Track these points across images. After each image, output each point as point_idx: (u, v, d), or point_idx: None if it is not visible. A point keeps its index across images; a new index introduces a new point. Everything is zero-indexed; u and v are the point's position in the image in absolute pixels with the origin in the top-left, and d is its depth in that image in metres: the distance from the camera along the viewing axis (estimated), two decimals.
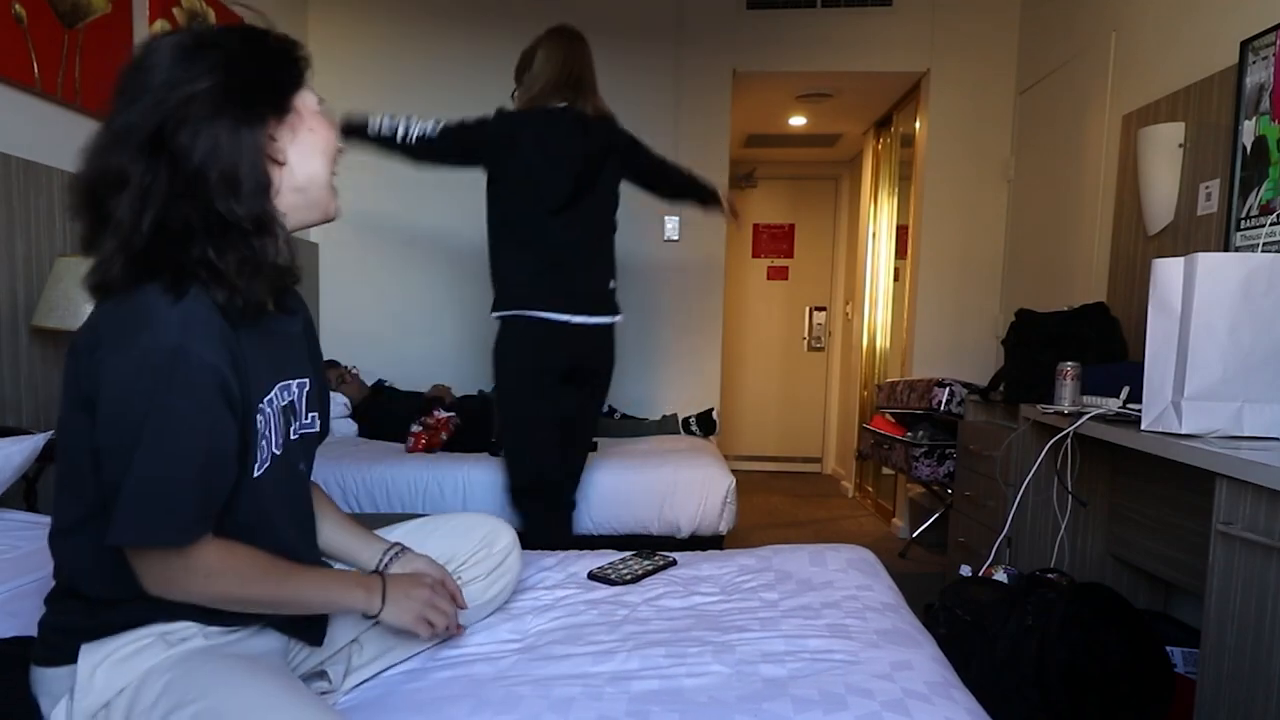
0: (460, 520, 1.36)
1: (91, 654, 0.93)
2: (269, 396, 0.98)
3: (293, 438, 1.03)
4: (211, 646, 0.96)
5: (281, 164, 0.94)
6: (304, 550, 1.09)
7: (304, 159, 0.96)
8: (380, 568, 1.17)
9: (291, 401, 1.02)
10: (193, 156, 0.87)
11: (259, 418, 0.96)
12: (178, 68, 0.88)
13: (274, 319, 1.01)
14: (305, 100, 0.98)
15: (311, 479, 1.15)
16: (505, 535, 1.35)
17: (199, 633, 0.96)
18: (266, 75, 0.94)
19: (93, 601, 0.94)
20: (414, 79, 3.86)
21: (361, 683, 1.14)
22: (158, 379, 0.85)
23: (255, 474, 0.97)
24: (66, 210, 0.94)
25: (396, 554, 1.19)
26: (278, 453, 1.00)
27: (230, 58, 0.91)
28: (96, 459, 0.89)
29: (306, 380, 1.05)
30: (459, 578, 1.26)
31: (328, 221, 1.04)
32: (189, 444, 0.87)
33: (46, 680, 0.96)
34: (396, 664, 1.19)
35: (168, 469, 0.86)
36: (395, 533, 1.28)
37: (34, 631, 1.18)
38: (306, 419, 1.05)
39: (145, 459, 0.85)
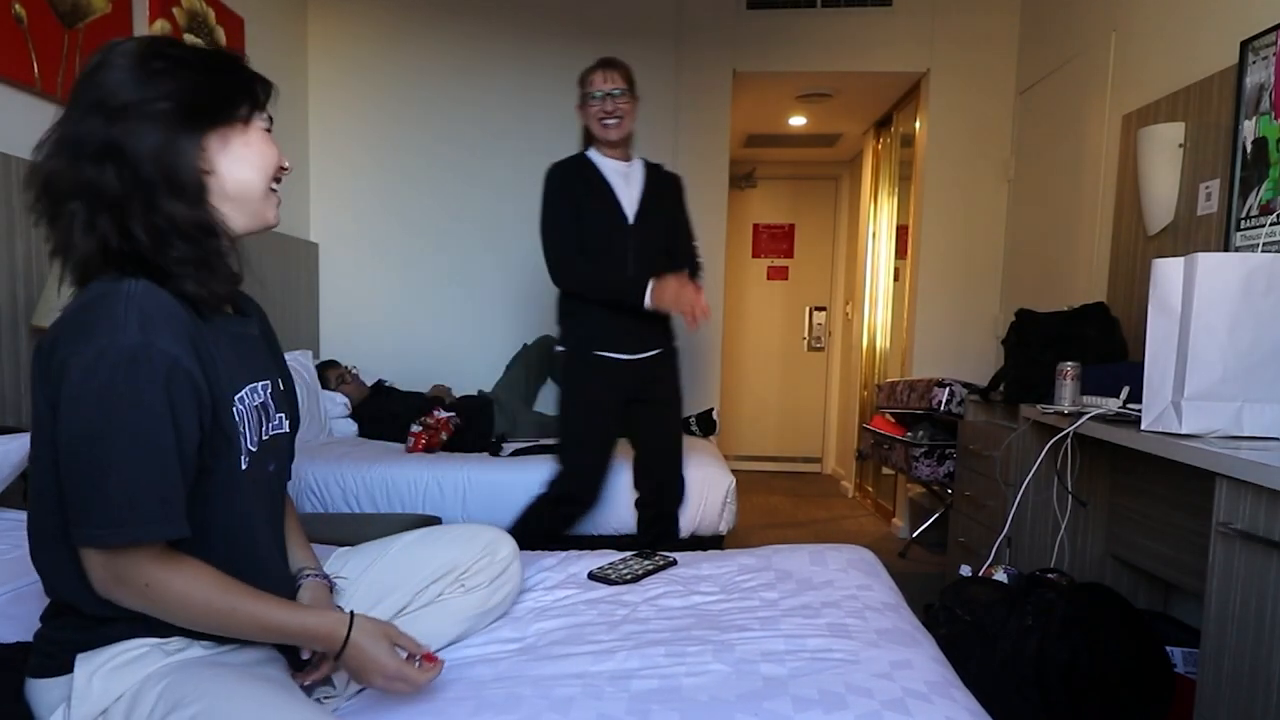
0: (462, 530, 1.36)
1: (87, 662, 0.93)
2: (241, 394, 0.99)
3: (264, 437, 1.04)
4: (209, 655, 0.96)
5: (209, 173, 0.97)
6: (275, 553, 1.10)
7: (236, 169, 0.98)
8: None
9: (263, 402, 1.04)
10: (142, 162, 0.91)
11: (235, 410, 0.97)
12: (137, 82, 0.92)
13: (232, 320, 1.04)
14: (244, 115, 1.00)
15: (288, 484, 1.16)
16: (506, 545, 1.36)
17: (193, 645, 0.96)
18: (209, 91, 0.96)
19: (87, 617, 0.94)
20: (414, 78, 3.86)
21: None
22: (117, 377, 0.85)
23: (243, 466, 0.98)
24: (30, 212, 0.95)
25: (305, 578, 1.13)
26: (254, 449, 1.01)
27: (180, 73, 0.94)
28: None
29: (269, 381, 1.07)
30: (462, 585, 1.27)
31: (267, 229, 1.06)
32: (148, 441, 0.86)
33: (41, 690, 0.96)
34: None
35: (123, 467, 0.85)
36: (397, 543, 1.28)
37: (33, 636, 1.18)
38: (275, 419, 1.06)
39: (98, 458, 0.85)
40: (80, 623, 0.95)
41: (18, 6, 2.13)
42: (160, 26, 2.72)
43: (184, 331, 0.90)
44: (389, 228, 3.93)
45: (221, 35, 3.09)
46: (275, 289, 3.51)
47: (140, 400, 0.85)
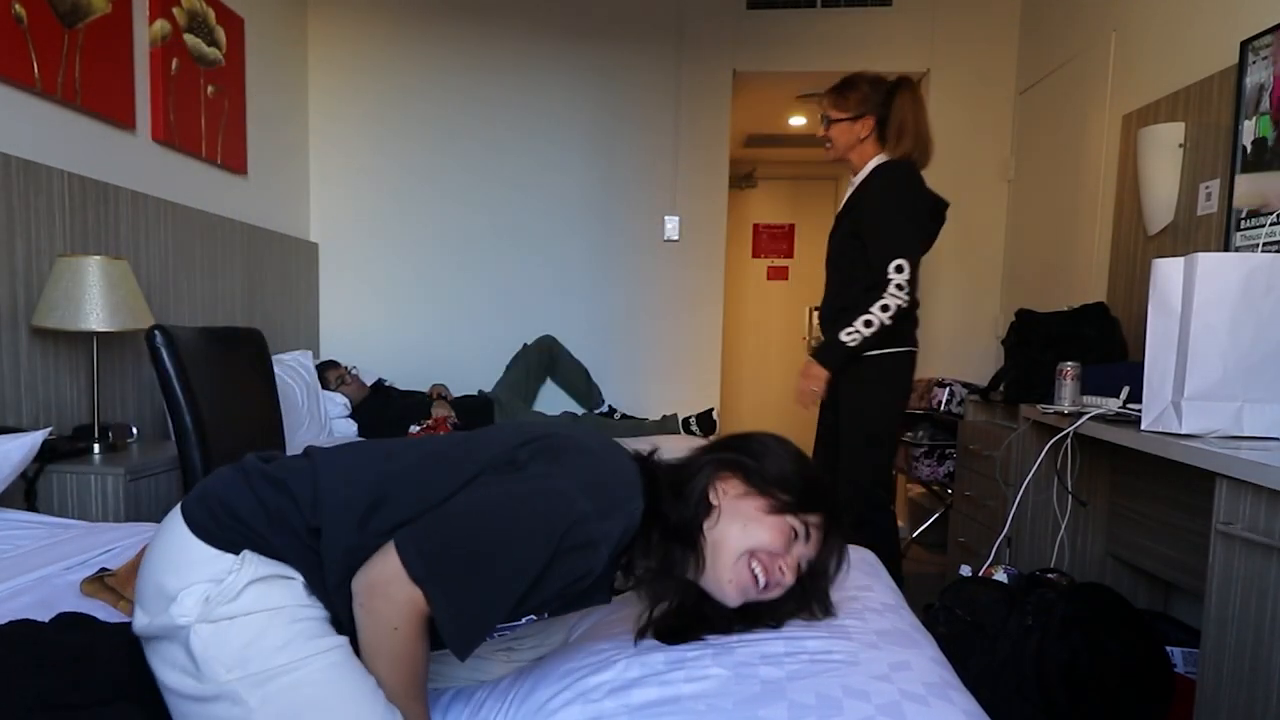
0: None
1: (254, 563, 0.91)
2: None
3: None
4: (330, 619, 0.95)
5: (713, 505, 1.03)
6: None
7: (725, 527, 1.03)
8: None
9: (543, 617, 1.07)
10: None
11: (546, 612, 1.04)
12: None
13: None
14: (778, 505, 1.04)
15: None
16: (560, 633, 1.32)
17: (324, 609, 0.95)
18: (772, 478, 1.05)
19: (294, 525, 0.92)
20: (414, 79, 3.86)
21: None
22: (569, 536, 0.90)
23: None
24: None
25: None
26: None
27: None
28: (452, 489, 0.94)
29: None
30: (509, 652, 1.23)
31: (717, 593, 1.07)
32: (526, 587, 0.90)
33: (197, 554, 0.92)
34: None
35: (510, 586, 0.90)
36: None
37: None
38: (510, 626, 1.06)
39: (508, 568, 0.90)
40: (290, 520, 0.93)
41: (18, 6, 2.13)
42: (160, 26, 2.72)
43: (620, 553, 0.97)
44: (389, 228, 3.93)
45: (221, 35, 3.09)
46: (275, 289, 3.51)
47: (561, 568, 0.91)
